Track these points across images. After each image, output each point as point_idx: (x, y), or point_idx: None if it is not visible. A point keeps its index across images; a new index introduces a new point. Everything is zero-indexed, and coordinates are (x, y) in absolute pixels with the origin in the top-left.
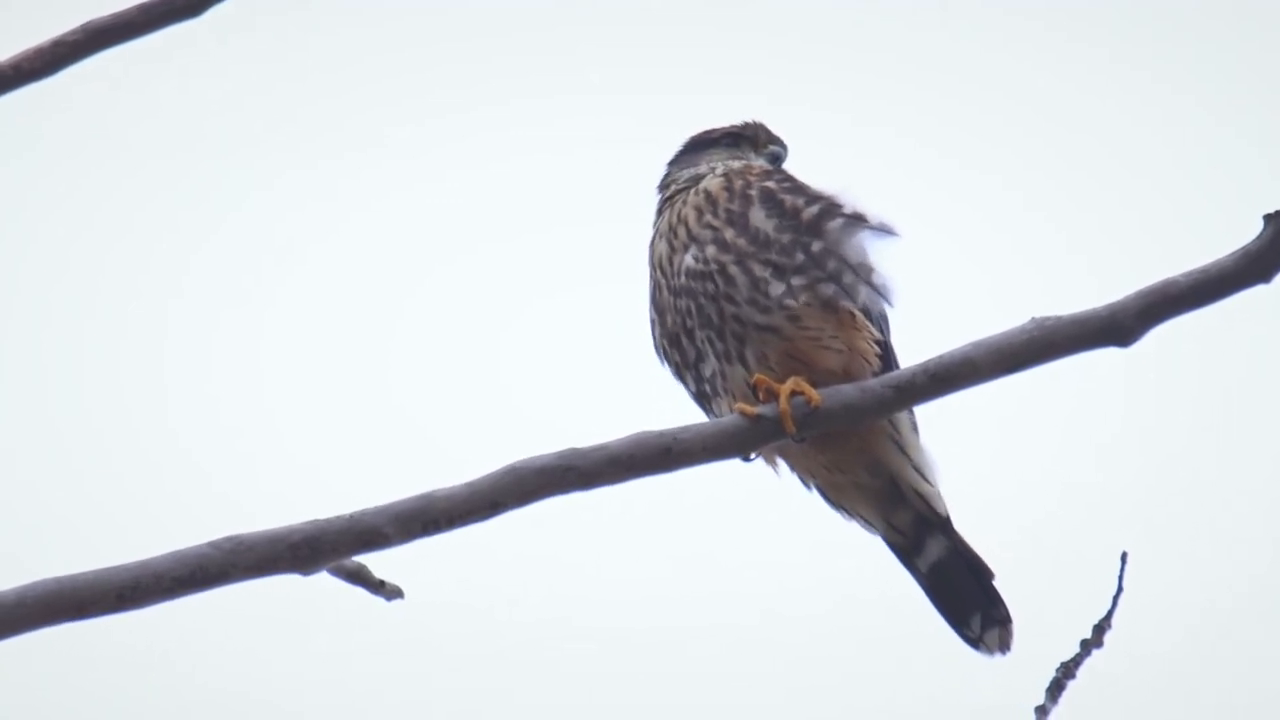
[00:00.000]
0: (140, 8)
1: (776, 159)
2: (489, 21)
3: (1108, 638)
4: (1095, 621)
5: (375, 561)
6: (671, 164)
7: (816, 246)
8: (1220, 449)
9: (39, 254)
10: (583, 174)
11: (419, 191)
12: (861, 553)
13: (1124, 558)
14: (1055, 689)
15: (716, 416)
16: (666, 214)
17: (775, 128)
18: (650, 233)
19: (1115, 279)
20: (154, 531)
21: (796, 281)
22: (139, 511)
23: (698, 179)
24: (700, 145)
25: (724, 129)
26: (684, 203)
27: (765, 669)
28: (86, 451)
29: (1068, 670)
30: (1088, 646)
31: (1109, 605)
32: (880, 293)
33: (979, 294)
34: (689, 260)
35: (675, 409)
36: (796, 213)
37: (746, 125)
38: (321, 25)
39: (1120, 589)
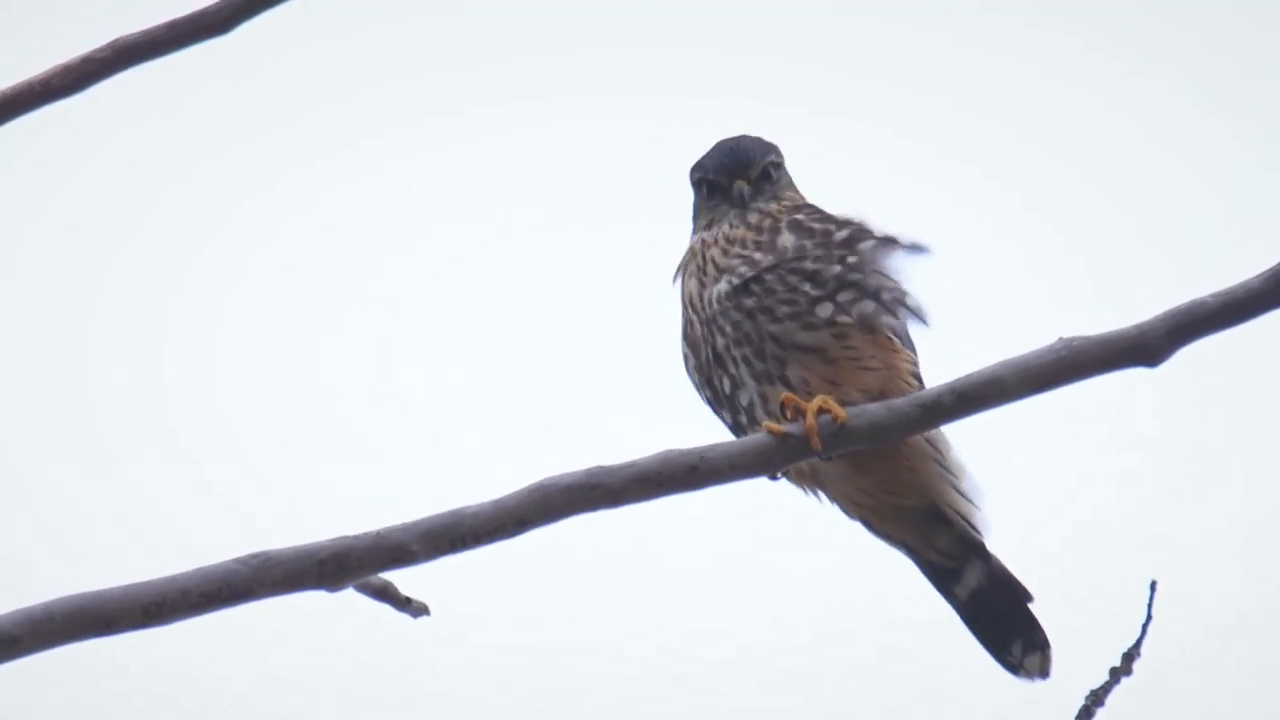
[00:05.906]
0: (168, 25)
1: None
2: (489, 22)
3: (1137, 665)
4: (1124, 649)
5: (401, 579)
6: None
7: (853, 259)
8: (1246, 470)
9: (42, 256)
10: (602, 180)
11: (442, 200)
12: (881, 579)
13: (1153, 586)
14: (1084, 717)
15: None
16: (692, 260)
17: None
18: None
19: (1131, 296)
20: (179, 549)
21: (844, 298)
22: (164, 529)
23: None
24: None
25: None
26: (711, 244)
27: (786, 693)
28: (109, 467)
29: (1097, 698)
30: (1117, 674)
31: (1138, 633)
32: (916, 314)
33: (995, 313)
34: (722, 285)
35: (702, 427)
36: (827, 235)
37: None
38: (322, 25)
39: (1149, 617)
